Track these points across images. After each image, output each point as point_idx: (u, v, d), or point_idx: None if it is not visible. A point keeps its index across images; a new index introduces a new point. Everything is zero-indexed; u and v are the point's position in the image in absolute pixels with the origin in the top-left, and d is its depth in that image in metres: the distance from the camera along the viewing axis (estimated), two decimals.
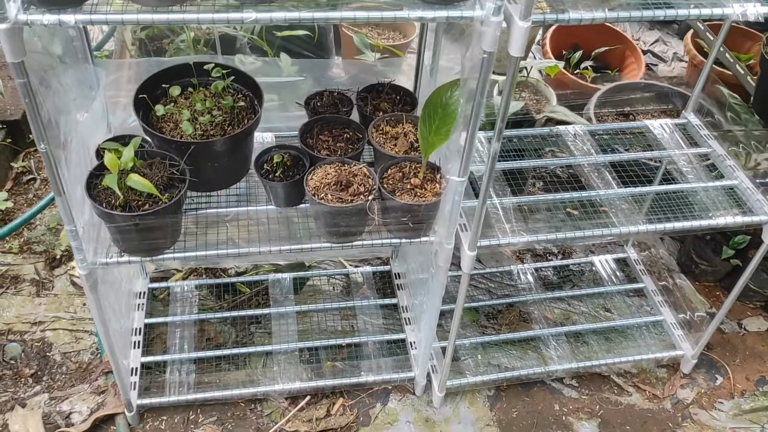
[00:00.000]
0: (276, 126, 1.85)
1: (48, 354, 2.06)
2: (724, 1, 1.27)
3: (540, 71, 2.79)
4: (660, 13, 1.25)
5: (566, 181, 1.92)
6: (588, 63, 2.99)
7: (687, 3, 1.26)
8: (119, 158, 1.37)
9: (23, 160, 2.60)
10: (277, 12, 1.15)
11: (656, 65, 3.40)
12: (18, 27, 1.08)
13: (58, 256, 2.31)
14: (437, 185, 1.55)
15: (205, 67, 1.62)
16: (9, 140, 2.56)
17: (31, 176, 2.57)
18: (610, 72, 3.06)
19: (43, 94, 1.27)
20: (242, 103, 1.59)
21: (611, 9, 1.23)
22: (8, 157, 2.58)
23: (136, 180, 1.34)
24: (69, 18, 1.10)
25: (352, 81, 1.87)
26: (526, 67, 2.78)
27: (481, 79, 1.27)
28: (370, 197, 1.48)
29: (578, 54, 3.00)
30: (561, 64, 2.65)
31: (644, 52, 3.44)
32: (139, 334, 2.04)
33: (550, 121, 2.50)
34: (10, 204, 2.43)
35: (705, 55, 2.91)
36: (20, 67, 1.13)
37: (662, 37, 3.58)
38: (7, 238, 2.35)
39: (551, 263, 2.45)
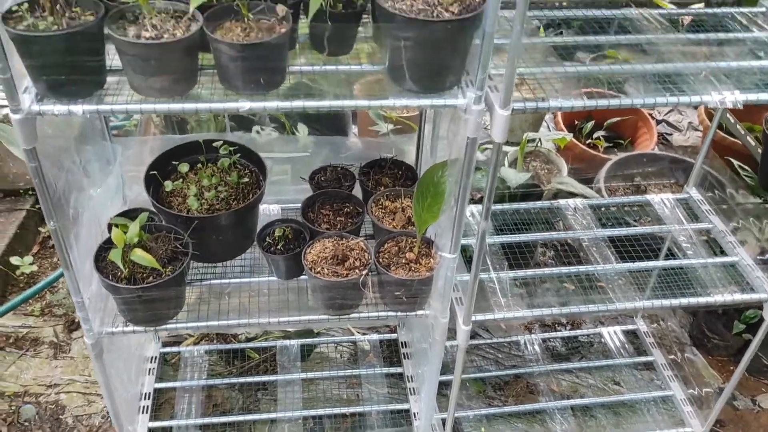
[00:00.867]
0: (285, 198, 1.92)
1: (60, 417, 2.11)
2: (702, 90, 1.31)
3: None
4: (638, 101, 1.29)
5: (574, 254, 1.93)
6: (600, 133, 3.04)
7: (665, 91, 1.31)
8: (125, 233, 1.44)
9: None
10: (271, 102, 1.23)
11: (671, 135, 3.43)
12: (31, 117, 1.18)
13: (76, 320, 2.39)
14: (431, 260, 1.59)
15: (214, 144, 1.71)
16: (38, 206, 2.69)
17: None
18: (622, 142, 3.10)
19: (55, 174, 1.36)
20: (246, 179, 1.67)
21: (590, 97, 1.29)
22: (36, 223, 2.70)
23: (139, 255, 1.41)
24: (77, 108, 1.19)
25: (366, 155, 1.93)
26: (539, 138, 2.84)
27: (467, 162, 1.32)
28: (364, 272, 1.53)
29: (590, 124, 3.05)
30: (570, 136, 2.70)
31: (659, 122, 3.48)
32: (148, 398, 2.09)
33: (561, 192, 2.53)
34: (35, 268, 2.54)
35: (719, 125, 2.93)
36: (32, 153, 1.22)
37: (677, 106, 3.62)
38: (30, 301, 2.45)
39: (559, 334, 2.44)
